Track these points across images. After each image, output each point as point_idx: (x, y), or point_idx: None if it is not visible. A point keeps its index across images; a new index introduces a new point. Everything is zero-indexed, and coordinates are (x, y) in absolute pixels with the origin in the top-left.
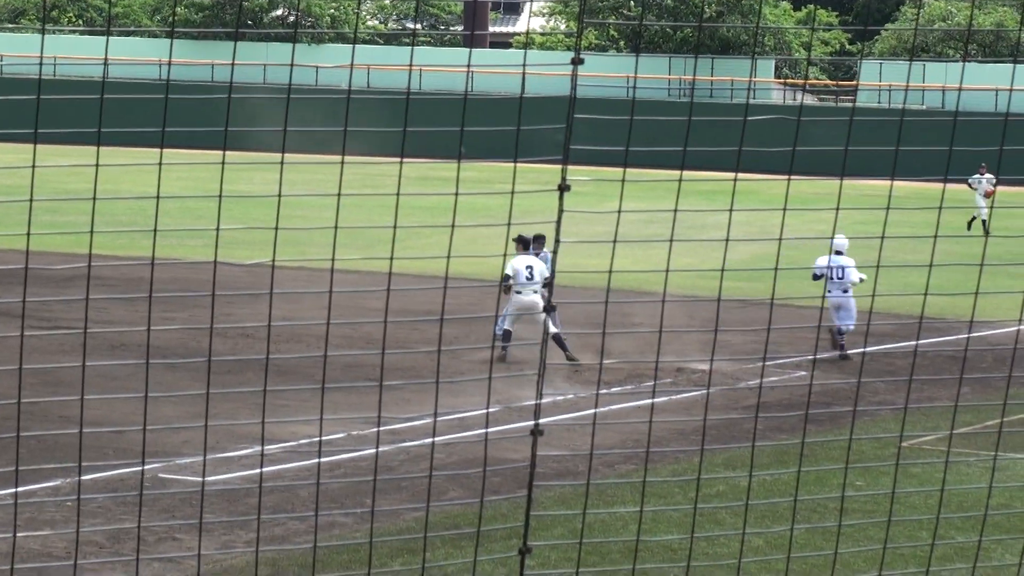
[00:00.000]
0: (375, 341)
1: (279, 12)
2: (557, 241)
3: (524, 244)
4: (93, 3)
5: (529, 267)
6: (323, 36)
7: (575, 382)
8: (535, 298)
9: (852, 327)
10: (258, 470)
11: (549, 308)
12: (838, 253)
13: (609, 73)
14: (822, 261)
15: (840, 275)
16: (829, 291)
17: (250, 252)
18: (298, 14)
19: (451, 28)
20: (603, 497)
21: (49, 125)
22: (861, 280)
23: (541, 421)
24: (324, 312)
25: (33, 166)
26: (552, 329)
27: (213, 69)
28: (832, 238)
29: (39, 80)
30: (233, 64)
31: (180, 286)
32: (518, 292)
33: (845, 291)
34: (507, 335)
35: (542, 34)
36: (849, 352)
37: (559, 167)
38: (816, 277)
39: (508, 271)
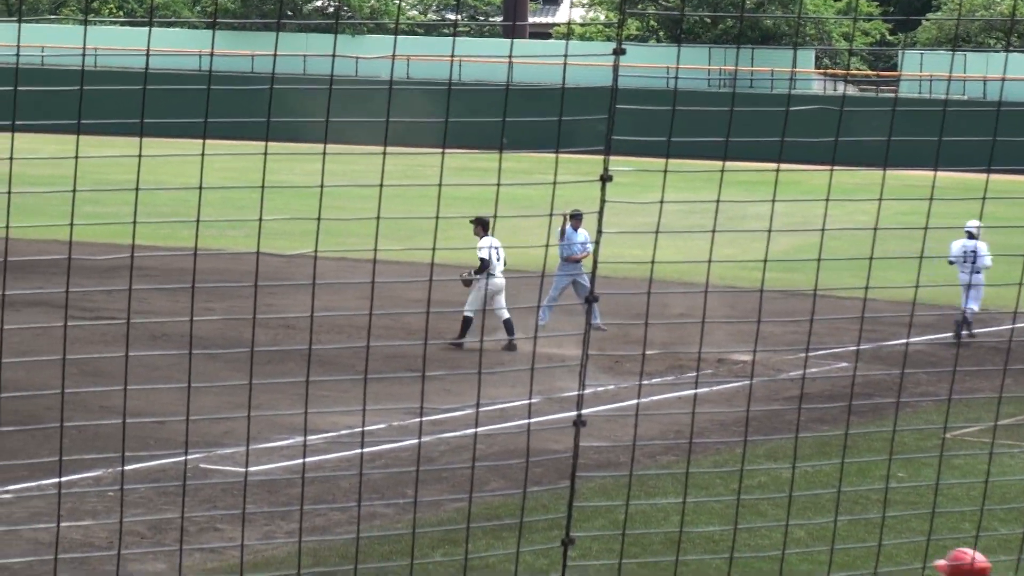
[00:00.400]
0: (415, 332)
1: (318, 3)
2: (599, 232)
3: (483, 225)
4: None
5: (496, 248)
6: (363, 27)
7: (615, 373)
8: (503, 280)
9: (977, 310)
10: (299, 460)
11: (592, 299)
12: (971, 237)
13: (649, 63)
14: (956, 245)
15: (973, 259)
16: (962, 272)
17: (291, 243)
18: (339, 5)
19: (490, 19)
20: (644, 488)
21: (90, 116)
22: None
23: (583, 412)
24: (364, 303)
25: (76, 157)
26: (504, 315)
27: (253, 60)
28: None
29: (82, 71)
30: (275, 55)
31: (221, 277)
32: (492, 275)
33: (977, 272)
34: (469, 322)
35: (582, 24)
36: (962, 335)
37: (600, 157)
38: (951, 262)
39: (484, 255)
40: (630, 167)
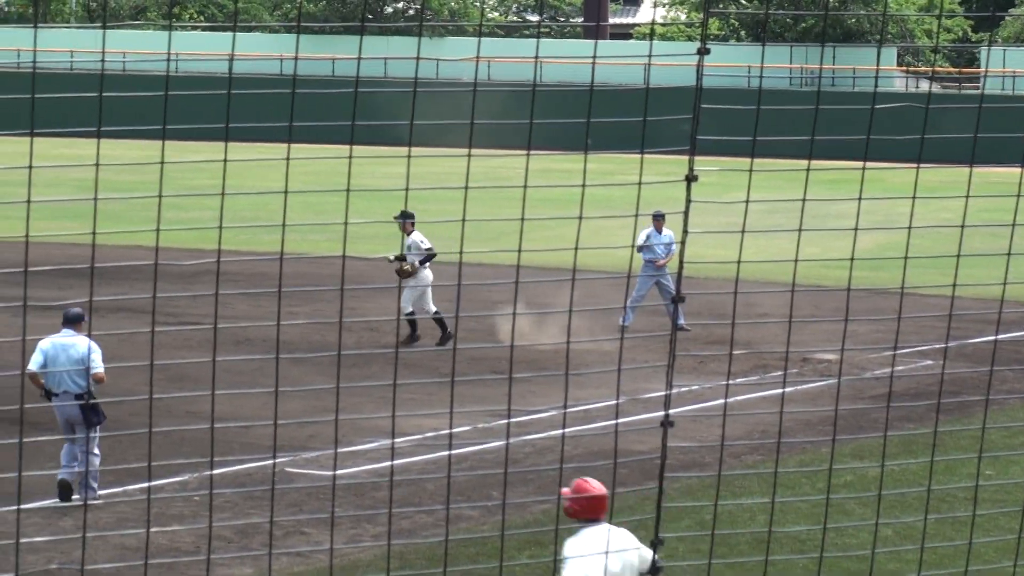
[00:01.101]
0: (499, 334)
1: (399, 4)
2: (685, 232)
3: (411, 219)
4: (215, 1)
5: (423, 242)
6: (444, 29)
7: (700, 373)
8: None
9: None
10: (384, 463)
11: (678, 299)
12: None
13: (731, 63)
14: None
15: None
16: None
17: (374, 246)
18: (422, 8)
19: (571, 20)
20: (730, 488)
21: (172, 122)
22: None
23: (668, 413)
24: (448, 305)
25: (162, 163)
26: (431, 308)
27: (334, 63)
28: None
29: (167, 77)
30: (359, 59)
31: (304, 281)
32: (425, 268)
33: None
34: (414, 319)
35: (663, 24)
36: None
37: (682, 157)
38: None
39: (430, 246)
40: (715, 167)
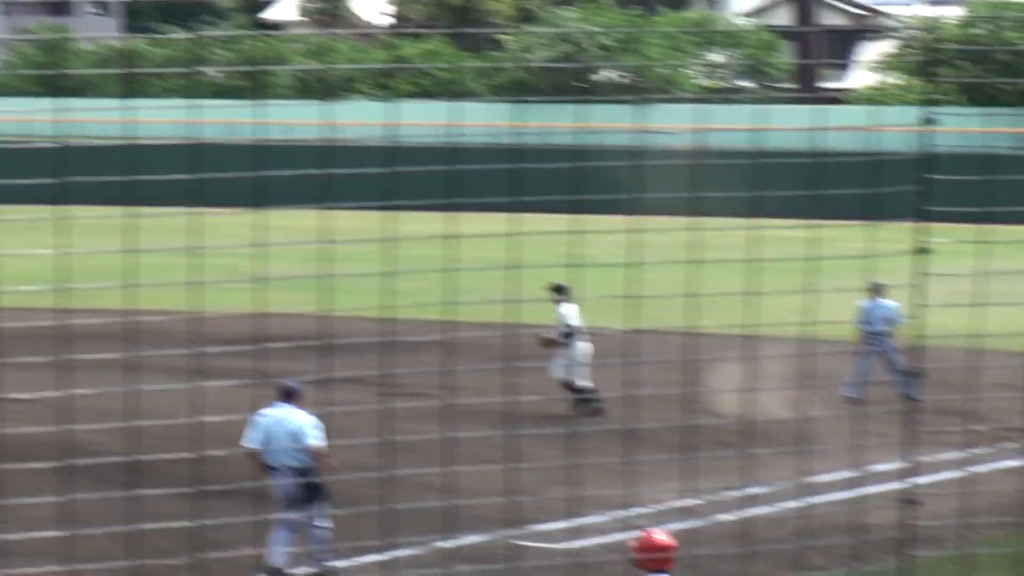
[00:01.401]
0: (719, 405)
1: (612, 75)
2: (920, 306)
3: (563, 292)
4: (426, 71)
5: (567, 317)
6: (655, 97)
7: (936, 444)
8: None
9: None
10: (615, 536)
11: (918, 373)
12: None
13: (952, 128)
14: None
15: None
16: None
17: (593, 316)
18: (638, 79)
19: (784, 85)
20: (971, 565)
21: (385, 193)
22: None
23: (909, 487)
24: (665, 375)
25: (397, 239)
26: (578, 382)
27: (547, 132)
28: None
29: (393, 149)
30: (582, 129)
31: (528, 352)
32: (581, 340)
33: None
34: (580, 388)
35: (874, 89)
36: None
37: (901, 225)
38: None
39: (572, 321)
40: (940, 237)
